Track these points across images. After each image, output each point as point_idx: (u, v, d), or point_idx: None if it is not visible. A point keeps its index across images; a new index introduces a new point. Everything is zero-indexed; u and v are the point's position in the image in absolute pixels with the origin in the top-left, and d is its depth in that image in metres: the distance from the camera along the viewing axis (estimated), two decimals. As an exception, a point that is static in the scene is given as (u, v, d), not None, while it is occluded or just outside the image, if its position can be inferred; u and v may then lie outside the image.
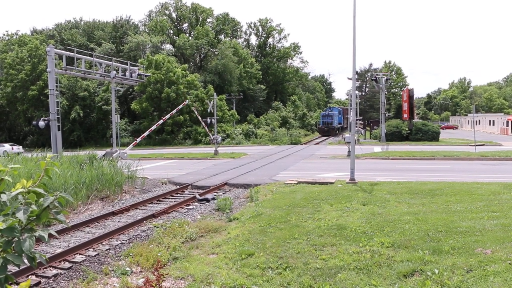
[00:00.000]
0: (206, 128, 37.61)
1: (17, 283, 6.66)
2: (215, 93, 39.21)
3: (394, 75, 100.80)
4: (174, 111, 34.40)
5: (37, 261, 2.18)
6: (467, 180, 15.80)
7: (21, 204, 2.23)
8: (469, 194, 12.40)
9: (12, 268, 6.81)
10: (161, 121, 33.22)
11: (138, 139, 30.38)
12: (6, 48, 59.95)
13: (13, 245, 2.10)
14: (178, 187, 17.46)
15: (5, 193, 2.25)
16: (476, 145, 31.49)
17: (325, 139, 57.41)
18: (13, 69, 53.70)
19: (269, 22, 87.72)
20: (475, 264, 6.78)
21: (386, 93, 58.55)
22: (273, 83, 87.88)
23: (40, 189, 2.25)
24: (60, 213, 2.27)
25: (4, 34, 70.53)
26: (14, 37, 65.56)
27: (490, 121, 76.91)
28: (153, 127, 32.57)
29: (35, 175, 2.56)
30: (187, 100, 34.95)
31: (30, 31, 74.66)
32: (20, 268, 7.42)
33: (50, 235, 2.27)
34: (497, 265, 6.68)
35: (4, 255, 2.07)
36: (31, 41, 56.95)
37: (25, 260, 2.17)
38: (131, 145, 30.79)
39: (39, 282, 7.56)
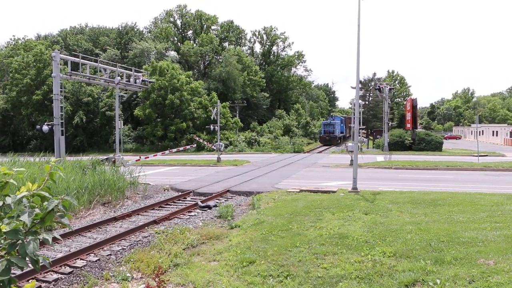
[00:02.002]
0: (208, 144, 38.41)
1: (19, 287, 6.67)
2: (218, 101, 39.32)
3: (397, 85, 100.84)
4: (182, 148, 35.62)
5: (40, 264, 2.20)
6: (470, 190, 15.75)
7: (26, 207, 2.24)
8: (472, 205, 12.36)
9: (14, 271, 6.81)
10: (166, 151, 33.86)
11: (142, 157, 30.35)
12: (12, 53, 60.33)
13: (17, 247, 2.12)
14: (180, 193, 17.46)
15: (10, 196, 2.27)
16: (479, 156, 31.40)
17: (326, 148, 57.18)
18: (18, 73, 54.00)
19: (274, 30, 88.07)
20: (478, 275, 6.74)
21: (390, 102, 58.52)
22: (276, 91, 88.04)
23: (45, 192, 2.27)
24: (65, 217, 2.28)
25: (11, 39, 71.14)
26: (20, 41, 66.01)
27: (493, 131, 76.81)
28: (158, 154, 32.51)
29: (38, 179, 2.58)
30: (197, 138, 36.46)
31: (35, 37, 75.18)
32: (22, 272, 7.43)
33: (54, 239, 2.29)
34: (500, 276, 6.64)
35: (8, 258, 2.09)
36: (37, 46, 57.33)
37: (29, 263, 2.18)
38: (133, 160, 30.69)
39: (40, 287, 7.56)
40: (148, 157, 29.84)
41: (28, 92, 53.67)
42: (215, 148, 33.39)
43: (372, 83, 74.97)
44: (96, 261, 8.94)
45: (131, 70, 31.33)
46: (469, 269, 7.03)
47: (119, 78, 28.31)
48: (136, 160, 29.80)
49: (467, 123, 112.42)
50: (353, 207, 12.51)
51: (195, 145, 39.42)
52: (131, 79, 29.94)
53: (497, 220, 10.28)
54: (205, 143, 39.50)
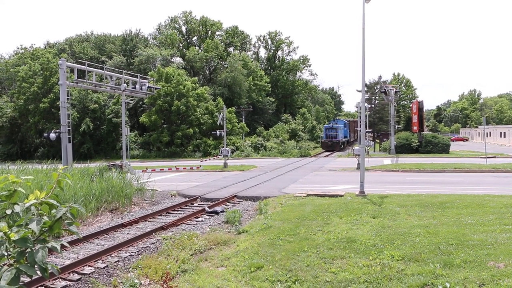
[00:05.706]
0: (214, 157, 38.37)
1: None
2: (224, 106, 39.35)
3: (403, 88, 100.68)
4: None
5: (49, 271, 2.20)
6: (479, 192, 15.63)
7: (34, 215, 2.25)
8: (481, 207, 12.25)
9: (23, 279, 6.83)
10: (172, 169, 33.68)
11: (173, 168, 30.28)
12: (19, 61, 60.93)
13: (26, 255, 2.12)
14: (187, 199, 17.48)
15: (18, 204, 2.29)
16: (487, 157, 31.17)
17: (331, 153, 55.97)
18: (25, 82, 54.50)
19: (278, 35, 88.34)
20: (488, 278, 6.67)
21: (396, 105, 58.34)
22: (282, 95, 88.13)
23: (53, 200, 2.28)
24: (73, 224, 2.29)
25: (18, 48, 71.90)
26: (28, 50, 66.69)
27: (501, 133, 76.18)
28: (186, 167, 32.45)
29: (46, 186, 2.60)
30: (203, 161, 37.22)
31: (44, 45, 75.92)
32: (30, 279, 7.45)
33: (62, 246, 2.29)
34: (511, 279, 6.57)
35: (17, 266, 2.09)
36: (44, 54, 57.86)
37: (37, 271, 2.19)
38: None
39: (49, 294, 7.58)
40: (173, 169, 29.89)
41: (35, 100, 54.14)
42: (221, 154, 33.45)
43: (378, 86, 74.77)
44: (104, 267, 8.95)
45: (137, 76, 31.46)
46: (479, 272, 6.96)
47: (125, 85, 28.43)
48: (152, 170, 29.73)
49: (474, 125, 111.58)
50: (361, 211, 12.45)
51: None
52: (137, 86, 30.06)
53: (506, 223, 10.17)
54: (213, 158, 40.14)
